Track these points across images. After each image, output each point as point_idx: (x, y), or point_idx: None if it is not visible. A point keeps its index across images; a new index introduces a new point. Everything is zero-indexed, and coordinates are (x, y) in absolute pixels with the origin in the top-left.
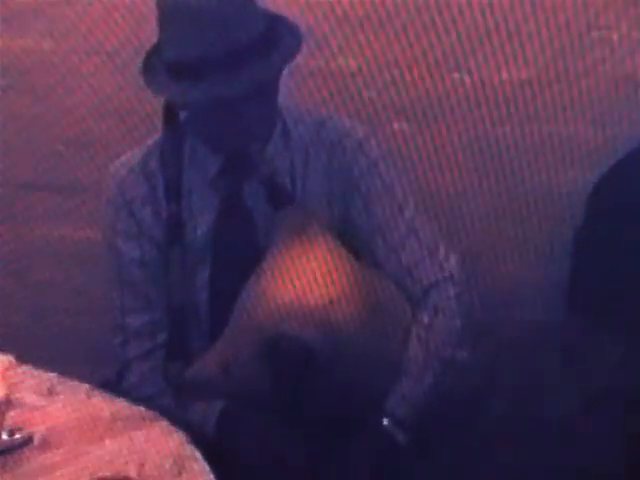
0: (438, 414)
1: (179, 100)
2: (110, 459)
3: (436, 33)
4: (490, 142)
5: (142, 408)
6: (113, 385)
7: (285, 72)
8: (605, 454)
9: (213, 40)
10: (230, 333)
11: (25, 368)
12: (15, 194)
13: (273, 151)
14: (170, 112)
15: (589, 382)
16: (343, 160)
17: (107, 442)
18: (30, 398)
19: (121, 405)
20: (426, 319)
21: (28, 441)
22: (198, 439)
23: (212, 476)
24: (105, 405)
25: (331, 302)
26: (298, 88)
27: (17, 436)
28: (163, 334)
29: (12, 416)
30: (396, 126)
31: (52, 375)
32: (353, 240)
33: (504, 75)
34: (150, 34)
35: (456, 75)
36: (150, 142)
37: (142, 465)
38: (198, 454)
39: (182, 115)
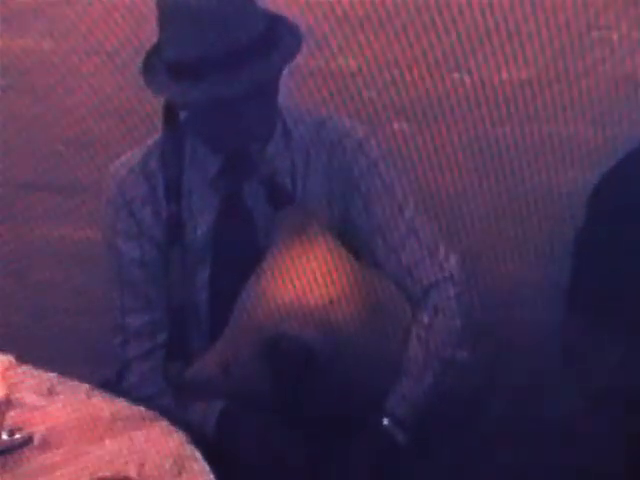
0: (438, 414)
1: (179, 100)
2: (110, 459)
3: (436, 33)
4: (490, 142)
5: (142, 408)
6: (113, 385)
7: (285, 72)
8: (605, 454)
9: (213, 40)
10: (230, 333)
11: (25, 368)
12: (15, 194)
13: (273, 151)
14: (170, 112)
15: (589, 382)
16: (343, 160)
17: (107, 442)
18: (30, 398)
19: (121, 405)
20: (426, 319)
21: (28, 441)
22: (198, 439)
23: (212, 476)
24: (105, 405)
25: (331, 302)
26: (298, 88)
27: (17, 436)
28: (163, 334)
29: (12, 416)
30: (396, 126)
31: (52, 375)
32: (353, 240)
33: (504, 75)
34: (150, 34)
35: (456, 75)
36: (150, 142)
37: (142, 465)
38: (198, 454)
39: (182, 115)
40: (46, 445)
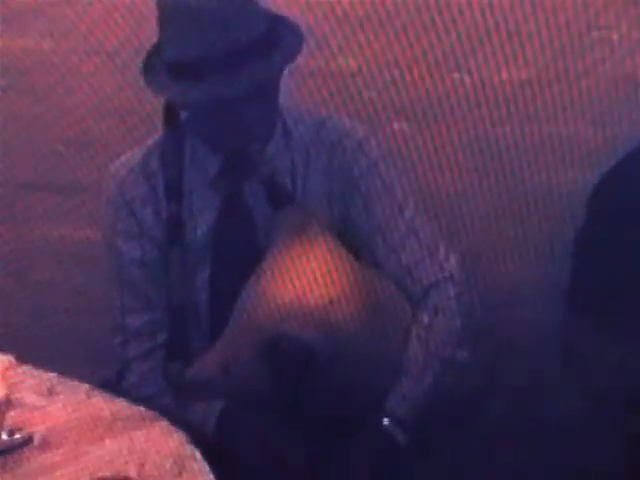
0: (438, 414)
1: (179, 100)
2: (110, 459)
3: (436, 33)
4: (490, 142)
5: (142, 408)
6: (113, 385)
7: (285, 72)
8: (605, 454)
9: (213, 40)
10: (230, 333)
11: (25, 368)
12: (15, 194)
13: (273, 151)
14: (170, 112)
15: (589, 382)
16: (343, 160)
17: (107, 442)
18: (30, 398)
19: (121, 405)
20: (426, 319)
21: (28, 441)
22: (198, 439)
23: (212, 476)
24: (105, 405)
25: (331, 302)
26: (298, 88)
27: (17, 436)
28: (163, 334)
29: (12, 416)
30: (396, 126)
31: (52, 375)
32: (353, 240)
33: (504, 75)
34: (150, 34)
35: (456, 75)
36: (150, 142)
37: (142, 465)
38: (198, 454)
39: (182, 115)
40: (46, 445)
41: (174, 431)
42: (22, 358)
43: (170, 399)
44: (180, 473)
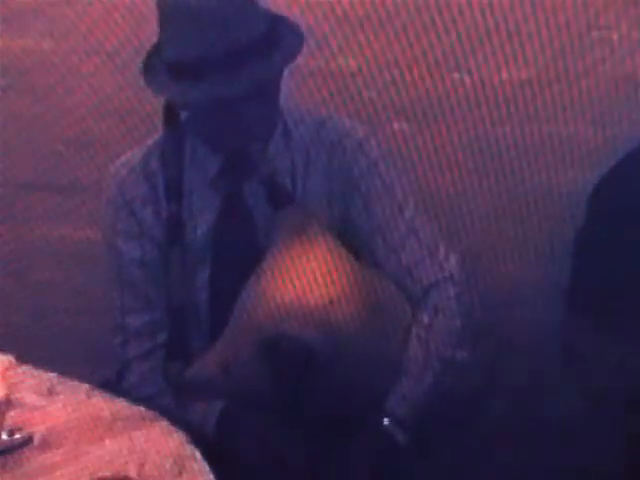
0: (438, 414)
1: (179, 100)
2: (110, 459)
3: (436, 33)
4: (490, 142)
5: (142, 408)
6: (113, 385)
7: (285, 72)
8: (605, 454)
9: (213, 40)
10: (230, 333)
11: (25, 368)
12: (15, 194)
13: (274, 151)
14: (171, 112)
15: (589, 382)
16: (343, 160)
17: (107, 442)
18: (30, 398)
19: (121, 405)
20: (426, 319)
21: (28, 441)
22: (198, 439)
23: (212, 476)
24: (105, 405)
25: (331, 302)
26: (298, 88)
27: (17, 436)
28: (163, 334)
29: (12, 416)
30: (396, 126)
31: (52, 375)
32: (353, 240)
33: (504, 75)
34: (150, 34)
35: (456, 75)
36: (150, 142)
37: (142, 465)
38: (198, 454)
39: (183, 115)
40: (46, 445)
41: (174, 431)
42: (22, 358)
43: (170, 399)
44: (180, 473)
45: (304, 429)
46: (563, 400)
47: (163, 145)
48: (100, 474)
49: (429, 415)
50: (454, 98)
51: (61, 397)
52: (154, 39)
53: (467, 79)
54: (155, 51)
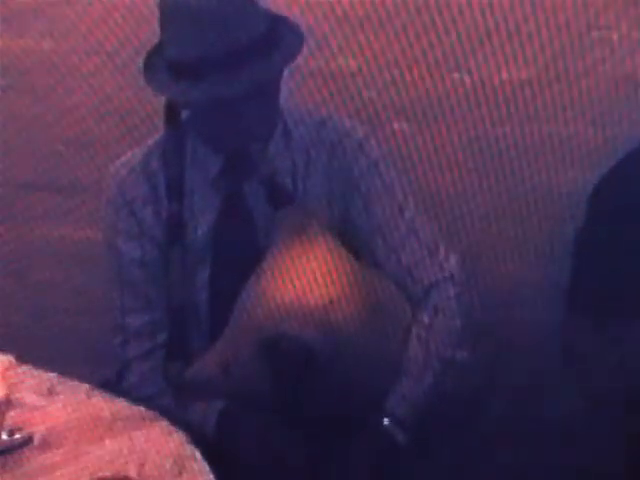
0: (438, 414)
1: (179, 99)
2: (110, 459)
3: (436, 33)
4: (490, 142)
5: (142, 408)
6: (113, 385)
7: (285, 72)
8: (605, 454)
9: (214, 40)
10: (230, 333)
11: (25, 368)
12: (15, 194)
13: (274, 151)
14: (172, 111)
15: (589, 382)
16: (343, 160)
17: (107, 442)
18: (30, 398)
19: (121, 405)
20: (426, 319)
21: (28, 441)
22: (198, 439)
23: (212, 476)
24: (105, 405)
25: (331, 302)
26: (298, 88)
27: (17, 436)
28: (163, 334)
29: (12, 416)
30: (396, 126)
31: (52, 375)
32: (353, 240)
33: (504, 75)
34: (150, 34)
35: (456, 75)
36: (151, 142)
37: (142, 465)
38: (198, 454)
39: (184, 114)
40: (46, 445)
41: (174, 431)
42: (22, 358)
43: (170, 399)
44: (180, 473)
45: (304, 429)
46: (563, 400)
47: (164, 145)
48: (100, 474)
49: (429, 415)
50: (454, 98)
51: (61, 397)
52: (154, 39)
53: (467, 79)
54: (156, 50)
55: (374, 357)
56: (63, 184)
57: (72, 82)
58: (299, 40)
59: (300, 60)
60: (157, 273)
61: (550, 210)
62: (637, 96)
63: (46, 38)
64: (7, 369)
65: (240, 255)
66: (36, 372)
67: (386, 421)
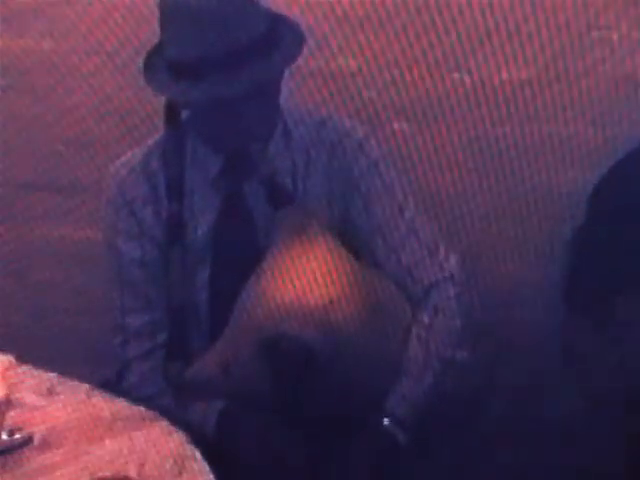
0: (438, 414)
1: (179, 99)
2: (110, 459)
3: (436, 33)
4: (490, 142)
5: (142, 408)
6: (113, 385)
7: (285, 72)
8: (605, 454)
9: (214, 40)
10: (230, 333)
11: (25, 368)
12: (15, 194)
13: (274, 151)
14: (172, 111)
15: (589, 382)
16: (343, 160)
17: (107, 442)
18: (30, 398)
19: (121, 405)
20: (426, 319)
21: (28, 441)
22: (198, 439)
23: (212, 476)
24: (105, 405)
25: (331, 302)
26: (298, 88)
27: (17, 436)
28: (163, 334)
29: (12, 416)
30: (396, 126)
31: (52, 375)
32: (353, 240)
33: (504, 75)
34: (150, 34)
35: (456, 75)
36: (151, 142)
37: (142, 465)
38: (198, 454)
39: (184, 114)
40: (46, 445)
41: (174, 431)
42: (22, 358)
43: (170, 399)
44: (180, 473)
45: (304, 429)
46: (563, 400)
47: (164, 145)
48: (100, 474)
49: (429, 415)
50: (454, 98)
51: (61, 397)
52: (154, 39)
53: (467, 79)
54: (156, 50)
55: (374, 357)
56: (63, 184)
57: (72, 82)
58: (300, 40)
59: (300, 60)
60: (157, 273)
61: (550, 210)
62: (637, 96)
63: (46, 38)
64: (7, 369)
65: (240, 255)
66: (36, 372)
67: (386, 421)
